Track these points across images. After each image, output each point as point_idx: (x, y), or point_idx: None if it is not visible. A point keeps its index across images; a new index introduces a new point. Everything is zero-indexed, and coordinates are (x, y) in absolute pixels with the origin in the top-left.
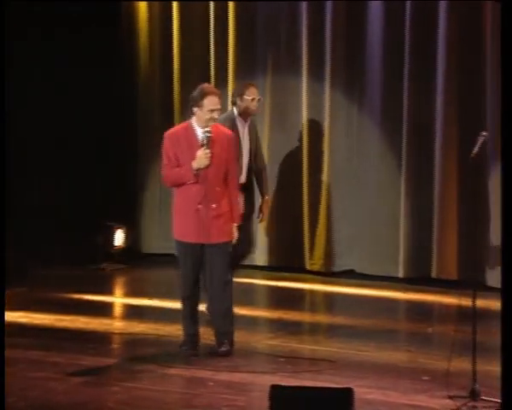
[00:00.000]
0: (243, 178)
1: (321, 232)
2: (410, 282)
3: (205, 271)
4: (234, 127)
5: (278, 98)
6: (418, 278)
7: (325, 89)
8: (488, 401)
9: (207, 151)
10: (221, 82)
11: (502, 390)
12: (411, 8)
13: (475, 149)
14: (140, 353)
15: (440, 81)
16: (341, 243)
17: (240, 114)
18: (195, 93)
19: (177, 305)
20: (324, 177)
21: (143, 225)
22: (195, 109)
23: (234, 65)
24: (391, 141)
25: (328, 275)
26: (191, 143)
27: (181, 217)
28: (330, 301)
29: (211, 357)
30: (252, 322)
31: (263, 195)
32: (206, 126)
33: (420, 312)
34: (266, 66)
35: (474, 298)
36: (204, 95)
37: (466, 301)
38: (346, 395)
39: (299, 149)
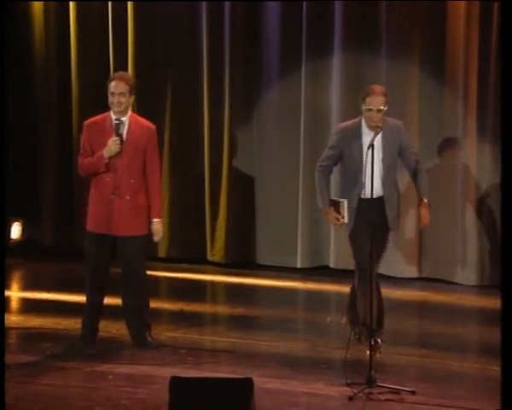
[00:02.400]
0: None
1: (222, 223)
2: (308, 272)
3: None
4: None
5: (179, 98)
6: (316, 268)
7: (225, 86)
8: (383, 386)
9: (116, 138)
10: None
11: (502, 390)
12: (307, 8)
13: (371, 140)
14: (37, 347)
15: (337, 75)
16: (242, 234)
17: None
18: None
19: (75, 298)
20: (225, 169)
21: (44, 217)
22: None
23: (133, 65)
24: (290, 134)
25: (228, 266)
26: (107, 133)
27: (93, 207)
28: (231, 292)
29: (110, 350)
30: (152, 314)
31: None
32: (119, 113)
33: (318, 302)
34: (166, 66)
35: (370, 289)
36: (109, 80)
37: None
38: (245, 384)
39: (200, 141)
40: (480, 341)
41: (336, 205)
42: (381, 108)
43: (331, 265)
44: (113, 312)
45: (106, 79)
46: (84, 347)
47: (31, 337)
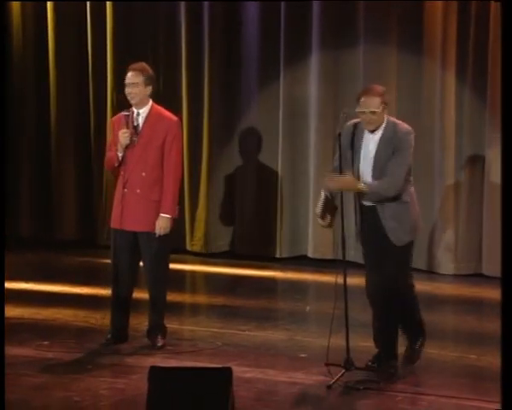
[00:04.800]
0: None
1: (201, 213)
2: (287, 262)
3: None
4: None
5: (158, 94)
6: (295, 257)
7: (204, 85)
8: (361, 368)
9: (125, 130)
10: (99, 82)
11: (502, 390)
12: (286, 7)
13: (338, 128)
14: (16, 338)
15: (315, 73)
16: (222, 223)
17: None
18: None
19: (54, 288)
20: (204, 159)
21: (22, 208)
22: None
23: (112, 65)
24: (269, 126)
25: (208, 256)
26: (127, 126)
27: (114, 203)
28: (210, 281)
29: (90, 340)
30: (133, 304)
31: None
32: (134, 105)
33: (297, 291)
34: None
35: (344, 276)
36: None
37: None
38: (224, 374)
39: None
40: (457, 329)
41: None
42: (375, 110)
43: (309, 254)
44: (92, 302)
45: (84, 77)
46: (113, 344)
47: (9, 328)
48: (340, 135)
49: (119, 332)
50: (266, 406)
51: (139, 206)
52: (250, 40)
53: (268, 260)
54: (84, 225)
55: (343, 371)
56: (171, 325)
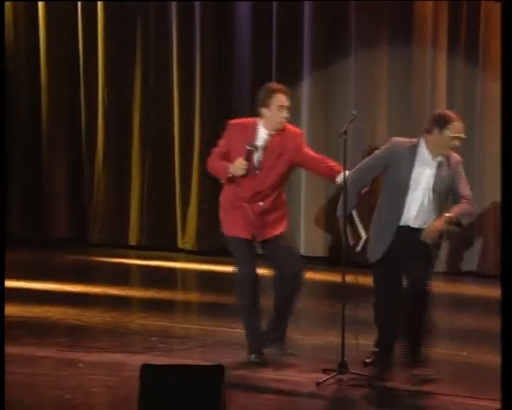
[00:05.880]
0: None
1: (193, 211)
2: None
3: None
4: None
5: (150, 91)
6: None
7: (195, 85)
8: (355, 373)
9: (244, 163)
10: (91, 81)
11: (502, 390)
12: (277, 8)
13: (345, 127)
14: (7, 336)
15: (307, 73)
16: (213, 221)
17: None
18: (261, 93)
19: (45, 286)
20: (196, 157)
21: (11, 205)
22: (263, 110)
23: (103, 65)
24: None
25: (199, 253)
26: (246, 141)
27: (225, 213)
28: (202, 279)
29: (81, 338)
30: (124, 302)
31: None
32: (274, 130)
33: None
34: (134, 65)
35: (343, 276)
36: (271, 93)
37: (336, 278)
38: (216, 372)
39: (170, 129)
40: (448, 327)
41: (353, 226)
42: (463, 136)
43: (301, 252)
44: (84, 300)
45: (76, 76)
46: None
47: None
48: (345, 133)
49: (267, 339)
50: (258, 403)
51: (266, 216)
52: (242, 40)
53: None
54: (75, 223)
55: (336, 372)
56: (162, 322)
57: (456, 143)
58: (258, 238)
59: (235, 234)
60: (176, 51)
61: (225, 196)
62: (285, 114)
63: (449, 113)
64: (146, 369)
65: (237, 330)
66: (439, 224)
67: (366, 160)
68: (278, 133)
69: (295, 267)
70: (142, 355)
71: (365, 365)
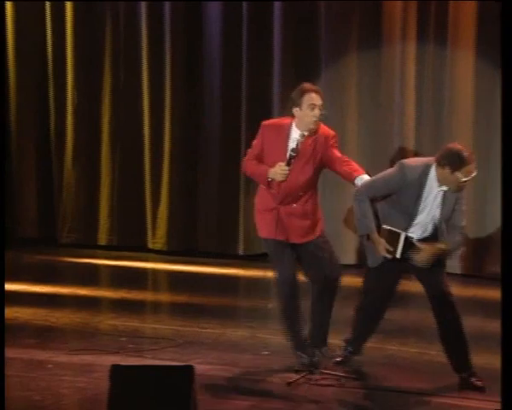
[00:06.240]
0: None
1: (163, 211)
2: (250, 259)
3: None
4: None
5: (120, 91)
6: (258, 255)
7: (165, 85)
8: (326, 373)
9: (286, 168)
10: (59, 81)
11: (502, 390)
12: (248, 8)
13: None
14: None
15: (277, 72)
16: (184, 221)
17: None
18: (293, 93)
19: (11, 287)
20: (166, 157)
21: None
22: (295, 110)
23: (72, 65)
24: (231, 124)
25: (170, 254)
26: (280, 144)
27: (261, 214)
28: (173, 279)
29: (50, 339)
30: (94, 302)
31: None
32: (307, 130)
33: (260, 288)
34: (104, 64)
35: (306, 276)
36: (302, 92)
37: (303, 277)
38: (186, 372)
39: (140, 128)
40: (418, 326)
41: (392, 235)
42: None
43: None
44: (52, 301)
45: (45, 77)
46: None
47: None
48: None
49: (305, 343)
50: (228, 403)
51: (298, 220)
52: (212, 40)
53: (231, 258)
54: (44, 223)
55: (306, 372)
56: (132, 323)
57: (466, 183)
58: (291, 241)
59: (270, 236)
60: (145, 51)
61: (259, 199)
62: (317, 112)
63: (464, 153)
64: (116, 370)
65: (208, 331)
66: (433, 251)
67: (377, 182)
68: (311, 134)
69: (332, 273)
70: (112, 356)
71: (336, 364)
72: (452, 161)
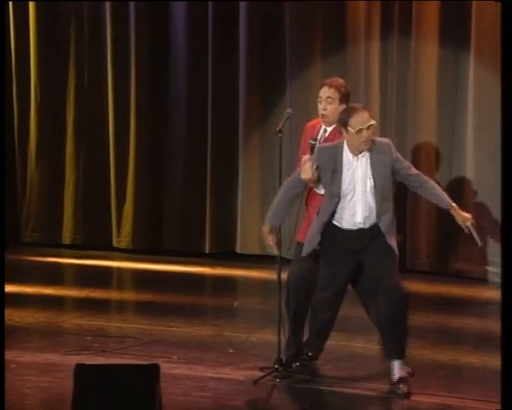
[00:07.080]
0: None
1: (129, 209)
2: (215, 257)
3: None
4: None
5: (85, 92)
6: (223, 253)
7: (130, 84)
8: (291, 372)
9: (310, 163)
10: (23, 79)
11: (502, 390)
12: (213, 8)
13: (280, 125)
14: None
15: (242, 72)
16: (149, 219)
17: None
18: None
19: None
20: (131, 154)
21: None
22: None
23: (36, 62)
24: (197, 123)
25: (135, 252)
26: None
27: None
28: (138, 278)
29: (13, 339)
30: (58, 301)
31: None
32: (325, 123)
33: (226, 287)
34: (68, 63)
35: (279, 272)
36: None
37: (269, 275)
38: (151, 371)
39: (105, 125)
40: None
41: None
42: (372, 123)
43: (238, 250)
44: (16, 300)
45: (8, 75)
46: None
47: None
48: (281, 131)
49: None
50: (194, 402)
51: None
52: (177, 40)
53: (196, 256)
54: (7, 221)
55: (272, 369)
56: (97, 322)
57: (365, 134)
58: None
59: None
60: (110, 50)
61: (314, 207)
62: (322, 105)
63: (348, 107)
64: (80, 369)
65: (174, 329)
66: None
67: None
68: (332, 132)
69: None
70: (77, 355)
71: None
72: (342, 120)
